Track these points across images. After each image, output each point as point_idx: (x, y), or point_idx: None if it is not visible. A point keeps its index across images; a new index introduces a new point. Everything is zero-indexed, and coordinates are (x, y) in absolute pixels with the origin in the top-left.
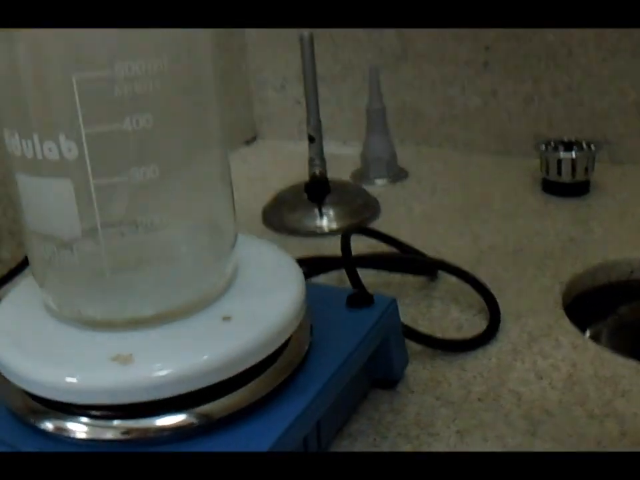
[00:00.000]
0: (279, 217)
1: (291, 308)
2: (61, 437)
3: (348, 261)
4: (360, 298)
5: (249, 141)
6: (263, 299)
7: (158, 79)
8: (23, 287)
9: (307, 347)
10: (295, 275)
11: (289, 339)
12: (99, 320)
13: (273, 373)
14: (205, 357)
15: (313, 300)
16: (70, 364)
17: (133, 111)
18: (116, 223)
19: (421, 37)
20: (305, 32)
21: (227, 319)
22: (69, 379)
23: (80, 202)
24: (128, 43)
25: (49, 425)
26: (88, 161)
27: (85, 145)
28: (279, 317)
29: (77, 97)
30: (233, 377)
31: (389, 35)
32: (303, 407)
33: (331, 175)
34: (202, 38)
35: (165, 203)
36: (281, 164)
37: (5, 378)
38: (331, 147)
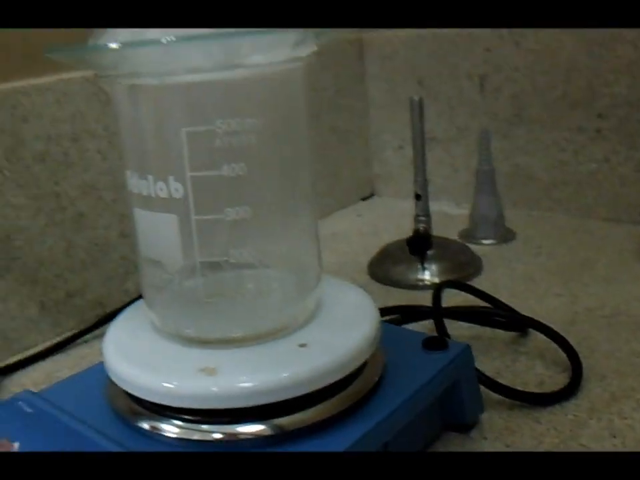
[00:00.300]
0: (384, 269)
1: (363, 339)
2: (155, 435)
3: (436, 310)
4: (435, 341)
5: (366, 198)
6: (338, 331)
7: (253, 133)
8: (135, 307)
9: (377, 378)
10: (371, 313)
11: (361, 368)
12: (194, 337)
13: (344, 397)
14: (281, 374)
15: (391, 340)
16: (165, 372)
17: (231, 159)
18: (213, 255)
19: (535, 103)
20: (415, 96)
21: (303, 345)
22: (163, 384)
23: (183, 235)
24: (230, 104)
25: (146, 425)
26: (191, 200)
27: (189, 186)
28: (350, 346)
29: (185, 146)
30: (306, 395)
31: (504, 100)
32: (367, 429)
33: (440, 233)
34: (296, 99)
35: (256, 240)
36: (393, 220)
37: (113, 382)
38: (443, 207)
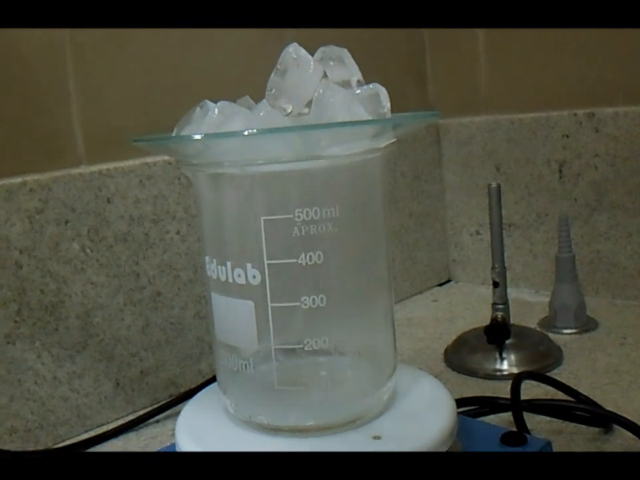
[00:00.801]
0: (460, 357)
1: (438, 433)
2: None
3: (515, 403)
4: (513, 437)
5: (442, 284)
6: (413, 424)
7: (330, 222)
8: (210, 390)
9: None
10: (447, 404)
11: None
12: (266, 425)
13: None
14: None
15: (468, 433)
16: None
17: (308, 248)
18: (288, 342)
19: (616, 188)
20: (494, 183)
21: (377, 437)
22: None
23: (259, 321)
24: (308, 193)
25: None
26: (268, 287)
27: (266, 273)
28: (426, 440)
29: (263, 235)
30: None
31: (584, 185)
32: None
33: (519, 321)
34: (374, 188)
35: (332, 328)
36: (469, 306)
37: None
38: (522, 294)
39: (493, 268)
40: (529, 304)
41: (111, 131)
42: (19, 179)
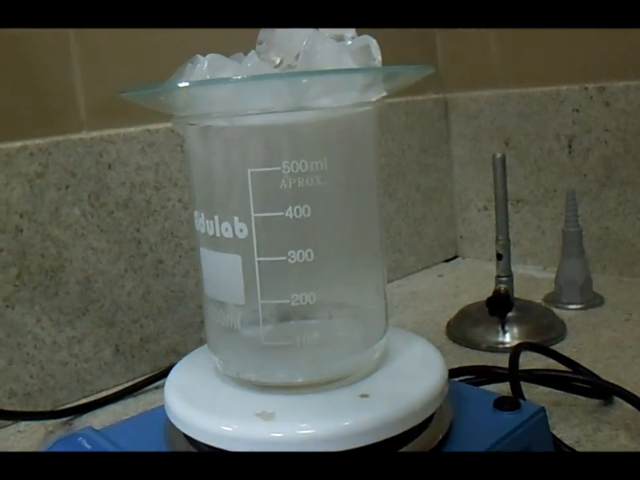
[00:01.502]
0: (462, 330)
1: (427, 392)
2: None
3: (512, 372)
4: (506, 402)
5: (449, 259)
6: (401, 383)
7: (318, 175)
8: (201, 349)
9: (441, 436)
10: (437, 365)
11: (425, 424)
12: (254, 382)
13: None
14: (339, 423)
15: (462, 398)
16: (223, 416)
17: (295, 201)
18: (276, 297)
19: (627, 164)
20: (498, 154)
21: (364, 396)
22: (220, 427)
23: (246, 276)
24: (296, 146)
25: None
26: (255, 241)
27: (253, 226)
28: (413, 399)
29: (250, 188)
30: (364, 447)
31: (593, 161)
32: None
33: (525, 296)
34: (364, 143)
35: (320, 285)
36: (475, 282)
37: (172, 424)
38: (529, 270)
39: (497, 240)
40: (535, 280)
41: (112, 97)
42: (19, 143)
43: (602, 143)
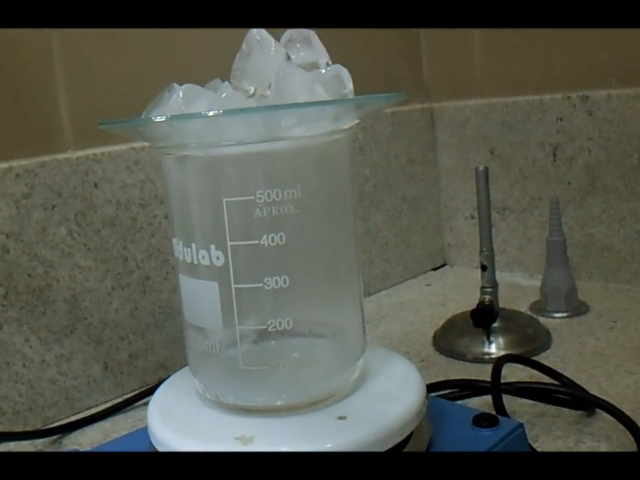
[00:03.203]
0: (448, 340)
1: (404, 413)
2: None
3: (495, 386)
4: (485, 418)
5: (437, 268)
6: (379, 404)
7: (292, 204)
8: (183, 371)
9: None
10: (415, 385)
11: (404, 443)
12: (233, 405)
13: None
14: (316, 446)
15: (441, 415)
16: (202, 440)
17: (270, 230)
18: (253, 323)
19: (610, 172)
20: (481, 166)
21: (342, 418)
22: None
23: (224, 302)
24: (269, 175)
25: None
26: (231, 268)
27: (229, 254)
28: (390, 420)
29: (225, 217)
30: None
31: (577, 169)
32: None
33: (511, 305)
34: (337, 170)
35: (296, 310)
36: (462, 290)
37: (152, 444)
38: (516, 278)
39: (481, 251)
40: (521, 288)
41: (97, 116)
42: (5, 164)
43: (585, 151)
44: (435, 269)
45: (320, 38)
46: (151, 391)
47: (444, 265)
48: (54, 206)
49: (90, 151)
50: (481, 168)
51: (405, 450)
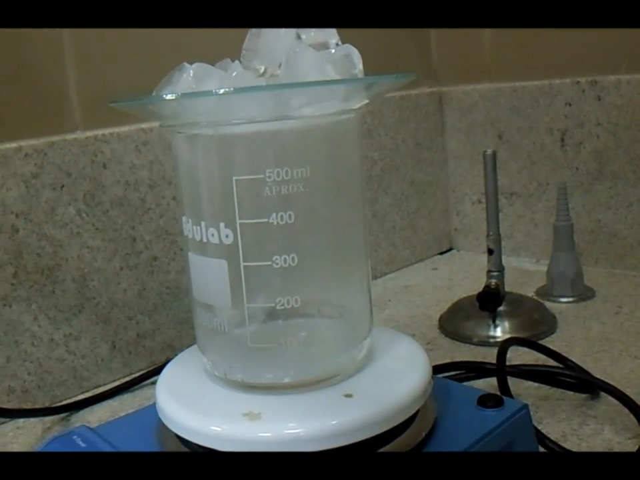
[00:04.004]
0: (454, 324)
1: (410, 392)
2: None
3: (500, 368)
4: (490, 399)
5: (444, 252)
6: (385, 383)
7: (301, 182)
8: (192, 349)
9: (424, 433)
10: (421, 364)
11: (409, 422)
12: (241, 382)
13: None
14: (324, 423)
15: (446, 395)
16: (211, 416)
17: (279, 208)
18: (261, 301)
19: (618, 158)
20: (489, 150)
21: (348, 395)
22: (209, 428)
23: (233, 280)
24: (278, 154)
25: None
26: (240, 246)
27: (238, 233)
28: (396, 398)
29: (235, 195)
30: (349, 445)
31: (585, 155)
32: None
33: (517, 289)
34: (346, 150)
35: (304, 288)
36: (468, 274)
37: (162, 423)
38: (523, 263)
39: (487, 235)
40: (528, 273)
41: (107, 97)
42: (14, 144)
43: (594, 136)
44: (441, 253)
45: None
46: (158, 371)
47: (450, 249)
48: (63, 186)
49: (99, 132)
50: (489, 152)
51: (410, 428)
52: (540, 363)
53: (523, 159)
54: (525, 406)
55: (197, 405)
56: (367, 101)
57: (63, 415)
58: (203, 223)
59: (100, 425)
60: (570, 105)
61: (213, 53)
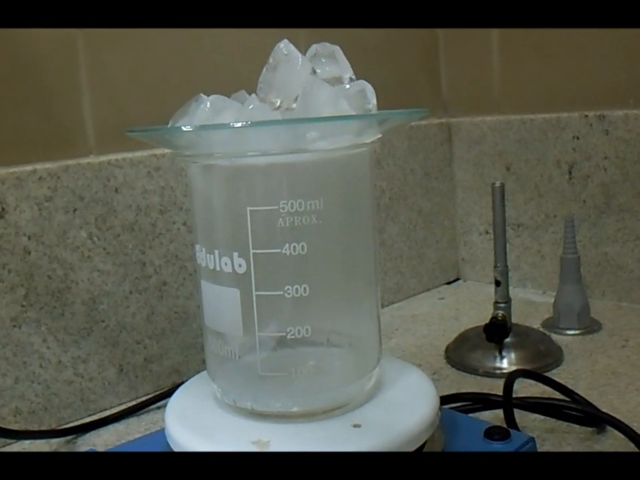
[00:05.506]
0: (460, 354)
1: (418, 423)
2: None
3: (506, 400)
4: (497, 431)
5: (451, 282)
6: (393, 414)
7: (314, 214)
8: (201, 375)
9: None
10: (430, 396)
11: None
12: (250, 410)
13: None
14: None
15: (453, 427)
16: (219, 443)
17: (292, 239)
18: (272, 330)
19: (625, 191)
20: (497, 182)
21: (357, 426)
22: None
23: (244, 309)
24: (292, 186)
25: None
26: (253, 276)
27: (252, 262)
28: (404, 429)
29: (249, 225)
30: None
31: (593, 188)
32: None
33: (523, 321)
34: (359, 183)
35: (315, 318)
36: (475, 305)
37: (171, 448)
38: (529, 294)
39: (495, 267)
40: (534, 304)
41: (121, 122)
42: (29, 167)
43: (601, 170)
44: (448, 283)
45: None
46: (164, 395)
47: (457, 279)
48: (75, 209)
49: (112, 157)
50: (498, 184)
51: None
52: (546, 395)
53: (530, 191)
54: (531, 439)
55: (206, 432)
56: (379, 135)
57: (69, 437)
58: (216, 252)
59: (108, 450)
60: (578, 138)
61: (224, 84)
